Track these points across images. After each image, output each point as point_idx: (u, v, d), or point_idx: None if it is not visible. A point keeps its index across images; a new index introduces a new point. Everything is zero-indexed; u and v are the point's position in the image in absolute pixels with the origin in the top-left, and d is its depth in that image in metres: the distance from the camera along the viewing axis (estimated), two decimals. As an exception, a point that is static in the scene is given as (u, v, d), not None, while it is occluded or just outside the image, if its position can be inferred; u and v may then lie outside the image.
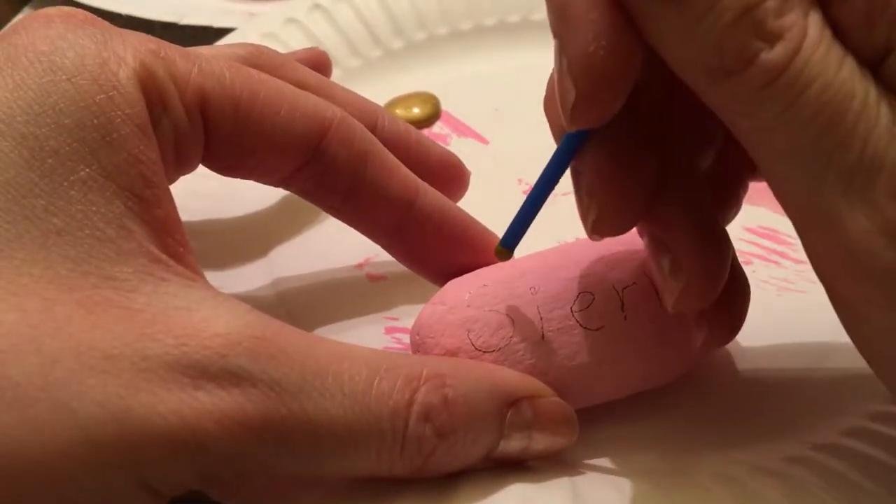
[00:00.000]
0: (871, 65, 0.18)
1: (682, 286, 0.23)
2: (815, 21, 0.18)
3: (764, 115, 0.18)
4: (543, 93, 0.24)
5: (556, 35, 0.21)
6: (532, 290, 0.26)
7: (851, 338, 0.21)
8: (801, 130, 0.18)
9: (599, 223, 0.23)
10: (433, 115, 0.42)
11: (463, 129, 0.41)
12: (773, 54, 0.18)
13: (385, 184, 0.29)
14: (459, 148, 0.34)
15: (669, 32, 0.19)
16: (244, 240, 0.35)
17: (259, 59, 0.30)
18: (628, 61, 0.20)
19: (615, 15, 0.20)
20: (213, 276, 0.24)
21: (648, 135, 0.23)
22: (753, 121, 0.19)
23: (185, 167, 0.27)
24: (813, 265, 0.21)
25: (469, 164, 0.34)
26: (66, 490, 0.20)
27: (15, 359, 0.20)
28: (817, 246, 0.20)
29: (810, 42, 0.18)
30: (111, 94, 0.23)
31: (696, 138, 0.24)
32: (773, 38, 0.18)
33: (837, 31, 0.18)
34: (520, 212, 0.25)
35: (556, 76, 0.21)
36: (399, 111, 0.41)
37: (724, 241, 0.24)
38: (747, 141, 0.20)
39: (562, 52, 0.21)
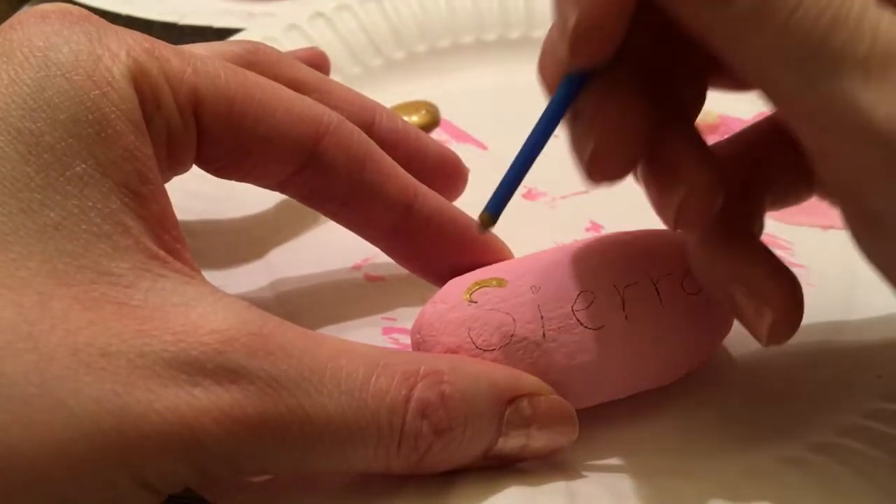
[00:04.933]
0: None
1: (682, 197, 0.23)
2: None
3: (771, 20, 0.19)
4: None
5: None
6: (533, 288, 0.26)
7: (869, 257, 0.21)
8: (810, 31, 0.19)
9: (597, 156, 0.22)
10: (432, 124, 0.42)
11: (461, 136, 0.41)
12: None
13: (383, 188, 0.29)
14: (458, 153, 0.34)
15: None
16: (242, 240, 0.35)
17: (255, 56, 0.30)
18: None
19: None
20: (210, 276, 0.24)
21: (644, 80, 0.23)
22: (761, 35, 0.19)
23: (177, 167, 0.27)
24: (825, 186, 0.21)
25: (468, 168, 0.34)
26: (63, 487, 0.20)
27: (11, 356, 0.20)
28: (830, 154, 0.20)
29: None
30: (105, 90, 0.23)
31: (690, 80, 0.24)
32: None
33: None
34: (510, 170, 0.23)
35: (554, 2, 0.21)
36: (399, 118, 0.41)
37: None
38: (755, 60, 0.20)
39: None
